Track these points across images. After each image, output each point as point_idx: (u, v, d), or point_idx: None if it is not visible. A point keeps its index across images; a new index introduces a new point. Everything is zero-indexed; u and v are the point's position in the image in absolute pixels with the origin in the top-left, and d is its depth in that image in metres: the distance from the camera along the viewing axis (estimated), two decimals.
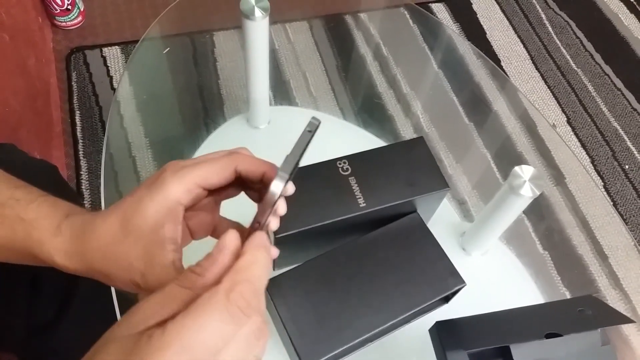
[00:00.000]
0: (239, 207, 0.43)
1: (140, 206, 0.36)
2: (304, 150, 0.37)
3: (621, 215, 1.21)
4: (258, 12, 0.63)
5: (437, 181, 0.56)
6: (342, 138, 0.89)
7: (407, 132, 1.18)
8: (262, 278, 0.32)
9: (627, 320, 0.50)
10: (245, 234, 0.34)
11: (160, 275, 0.36)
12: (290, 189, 0.39)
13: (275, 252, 0.39)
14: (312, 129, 0.38)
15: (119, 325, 0.30)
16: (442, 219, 0.73)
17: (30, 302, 0.58)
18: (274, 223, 0.39)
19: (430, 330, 0.54)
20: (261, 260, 0.32)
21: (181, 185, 0.36)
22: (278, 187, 0.35)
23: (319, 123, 0.38)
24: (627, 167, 1.27)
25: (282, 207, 0.39)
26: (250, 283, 0.30)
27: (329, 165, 0.56)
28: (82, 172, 1.10)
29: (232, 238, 0.32)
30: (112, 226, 0.36)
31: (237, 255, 0.32)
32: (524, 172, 0.58)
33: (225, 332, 0.29)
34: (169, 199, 0.36)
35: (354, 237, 0.55)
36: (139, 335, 0.28)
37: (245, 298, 0.29)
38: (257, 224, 0.36)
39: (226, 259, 0.31)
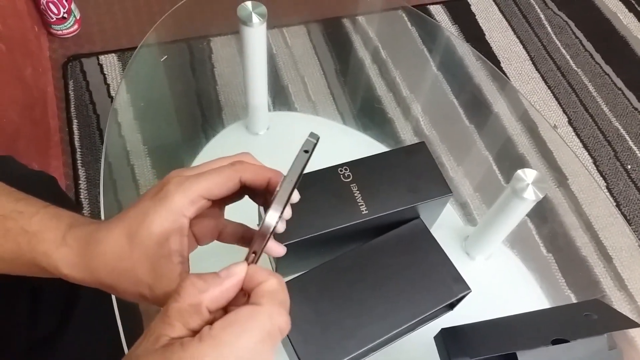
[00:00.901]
0: (242, 206, 0.42)
1: (145, 220, 0.36)
2: (301, 173, 0.36)
3: (624, 216, 1.20)
4: (255, 18, 0.63)
5: (440, 187, 0.56)
6: (342, 143, 0.88)
7: (407, 135, 1.18)
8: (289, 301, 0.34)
9: (634, 324, 0.49)
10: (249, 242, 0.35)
11: (168, 288, 0.36)
12: (287, 213, 0.39)
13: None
14: (309, 149, 0.36)
15: (140, 344, 0.31)
16: (445, 224, 0.72)
17: (31, 314, 0.57)
18: (275, 248, 0.39)
19: (436, 338, 0.53)
20: (284, 284, 0.33)
21: (186, 198, 0.36)
22: (273, 218, 0.34)
23: (317, 140, 0.37)
24: (629, 167, 1.27)
25: (280, 227, 0.39)
26: (286, 305, 0.32)
27: (330, 172, 0.55)
28: (80, 181, 1.09)
29: (242, 268, 0.33)
30: (118, 240, 0.36)
31: (240, 285, 0.33)
32: (527, 175, 0.57)
33: (261, 349, 0.30)
34: (173, 211, 0.36)
35: (356, 245, 0.54)
36: (169, 346, 0.29)
37: (285, 320, 0.31)
38: (254, 254, 0.35)
39: (231, 284, 0.32)
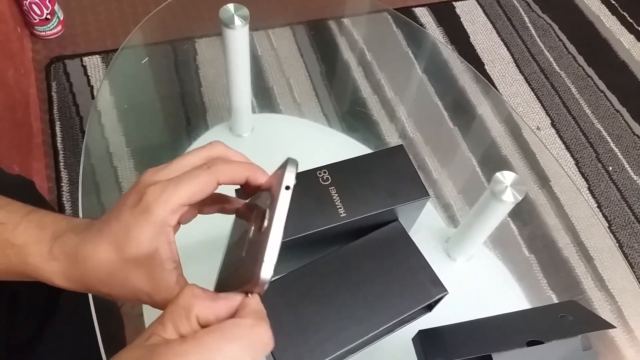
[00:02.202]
0: None
1: (130, 234, 0.35)
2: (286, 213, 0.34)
3: (606, 217, 1.22)
4: (238, 21, 0.62)
5: (418, 190, 0.56)
6: (326, 145, 0.88)
7: (392, 137, 1.18)
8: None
9: (608, 325, 0.49)
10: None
11: (167, 294, 0.36)
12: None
13: None
14: (290, 184, 0.35)
15: (134, 341, 0.32)
16: (426, 225, 0.73)
17: (9, 320, 0.57)
18: None
19: (414, 340, 0.54)
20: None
21: (167, 209, 0.36)
22: (268, 273, 0.33)
23: (296, 168, 0.35)
24: (610, 168, 1.28)
25: None
26: (269, 326, 0.33)
27: (309, 176, 0.55)
28: (63, 184, 1.08)
29: (239, 297, 0.34)
30: (106, 256, 0.36)
31: (233, 310, 0.34)
32: (506, 178, 0.58)
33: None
34: (157, 224, 0.35)
35: (335, 248, 0.54)
36: (154, 345, 0.30)
37: (269, 335, 0.32)
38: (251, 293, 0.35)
39: (225, 305, 0.33)
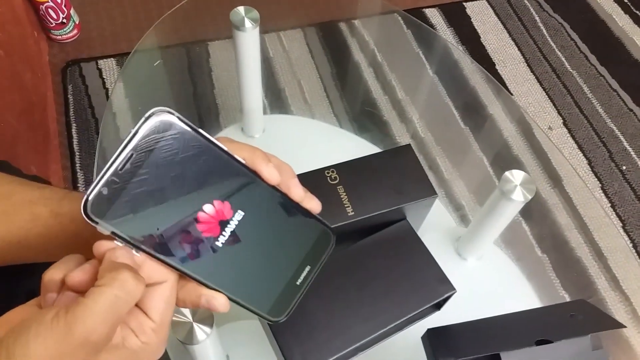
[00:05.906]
0: None
1: None
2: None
3: (619, 217, 1.20)
4: (248, 23, 0.63)
5: (425, 188, 0.56)
6: (337, 146, 0.89)
7: (403, 138, 1.19)
8: None
9: (618, 325, 0.49)
10: None
11: None
12: None
13: None
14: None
15: None
16: (437, 224, 0.73)
17: None
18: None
19: (422, 338, 0.54)
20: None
21: None
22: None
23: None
24: (624, 167, 1.27)
25: None
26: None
27: (317, 175, 0.56)
28: (79, 185, 1.10)
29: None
30: None
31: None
32: (515, 177, 0.58)
33: None
34: None
35: (343, 246, 0.55)
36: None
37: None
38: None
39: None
